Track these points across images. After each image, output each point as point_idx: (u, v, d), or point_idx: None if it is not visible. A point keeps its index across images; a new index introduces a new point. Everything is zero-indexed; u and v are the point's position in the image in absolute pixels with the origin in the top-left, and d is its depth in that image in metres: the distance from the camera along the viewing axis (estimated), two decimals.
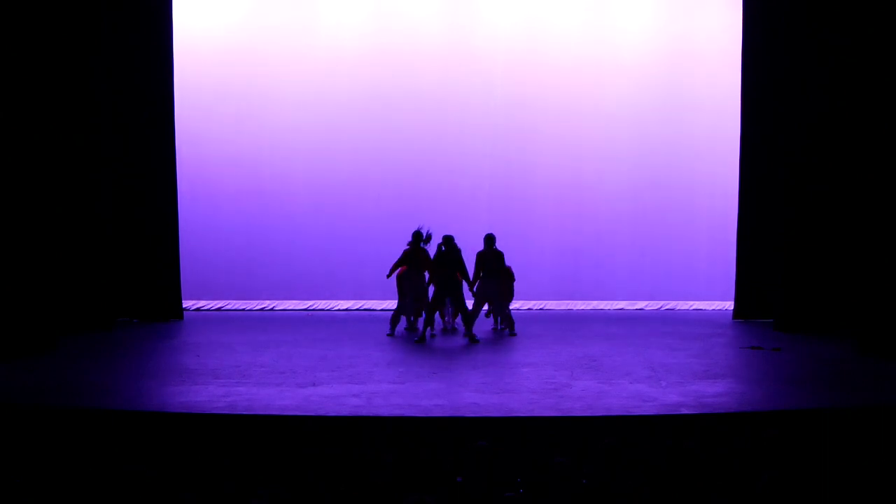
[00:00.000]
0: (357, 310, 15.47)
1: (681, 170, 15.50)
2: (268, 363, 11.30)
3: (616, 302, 15.67)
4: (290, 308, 15.57)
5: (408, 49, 15.49)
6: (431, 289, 13.13)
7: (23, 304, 11.80)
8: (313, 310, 15.55)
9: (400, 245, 14.24)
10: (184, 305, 14.92)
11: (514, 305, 15.51)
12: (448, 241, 12.77)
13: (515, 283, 13.70)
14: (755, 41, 14.10)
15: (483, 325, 13.73)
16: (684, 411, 9.12)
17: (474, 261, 13.04)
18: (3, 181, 11.76)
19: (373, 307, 15.40)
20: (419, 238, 13.09)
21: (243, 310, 15.53)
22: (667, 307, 15.60)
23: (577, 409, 9.28)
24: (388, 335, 13.24)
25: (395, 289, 13.45)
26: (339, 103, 15.48)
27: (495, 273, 13.04)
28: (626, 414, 9.12)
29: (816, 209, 13.41)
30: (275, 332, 13.43)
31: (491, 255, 13.07)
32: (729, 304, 14.91)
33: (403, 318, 13.83)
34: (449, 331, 13.65)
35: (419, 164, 15.54)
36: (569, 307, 15.57)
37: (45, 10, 12.17)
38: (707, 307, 15.47)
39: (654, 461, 7.58)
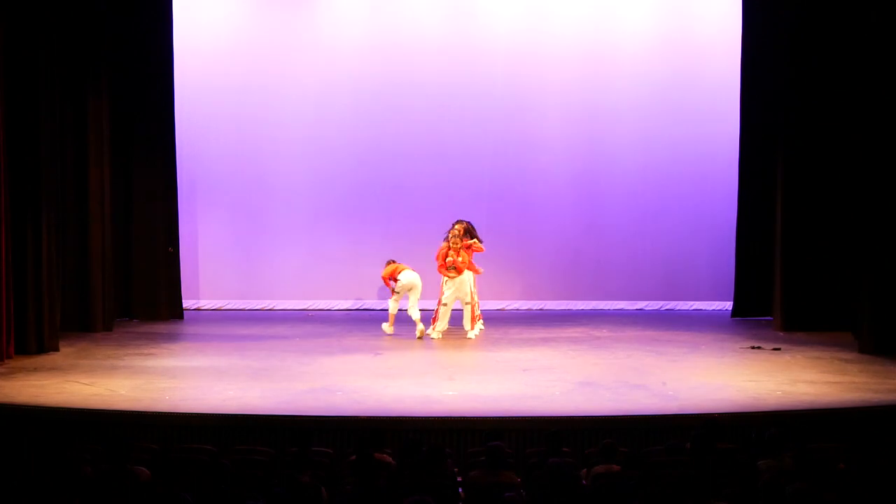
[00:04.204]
0: (357, 310, 15.46)
1: (681, 169, 15.46)
2: (267, 363, 11.30)
3: (616, 302, 15.64)
4: (289, 308, 15.55)
5: (406, 49, 15.44)
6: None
7: (24, 304, 11.80)
8: (313, 310, 15.54)
9: (399, 244, 14.28)
10: (184, 305, 14.90)
11: (513, 305, 15.55)
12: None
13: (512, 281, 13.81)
14: (755, 39, 14.07)
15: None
16: (686, 411, 9.12)
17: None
18: (15, 179, 11.73)
19: (372, 307, 15.38)
20: None
21: (243, 310, 15.52)
22: (667, 307, 15.58)
23: (577, 409, 9.28)
24: (388, 334, 13.25)
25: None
26: (339, 104, 15.44)
27: None
28: (625, 414, 9.12)
29: (816, 208, 13.40)
30: (274, 332, 13.42)
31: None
32: (729, 305, 14.88)
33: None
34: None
35: (418, 163, 15.50)
36: (568, 307, 15.55)
37: (45, 10, 12.13)
38: (707, 307, 15.44)
39: (654, 461, 7.59)
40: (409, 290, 13.19)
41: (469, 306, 13.00)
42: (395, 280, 13.26)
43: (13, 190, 11.71)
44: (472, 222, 13.43)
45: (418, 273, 13.25)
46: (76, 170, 13.46)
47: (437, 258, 13.03)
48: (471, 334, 12.96)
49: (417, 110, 15.43)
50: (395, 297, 13.28)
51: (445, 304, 12.96)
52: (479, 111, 15.40)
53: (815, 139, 13.39)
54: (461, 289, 12.88)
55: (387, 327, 13.33)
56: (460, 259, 12.82)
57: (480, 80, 15.38)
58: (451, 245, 12.89)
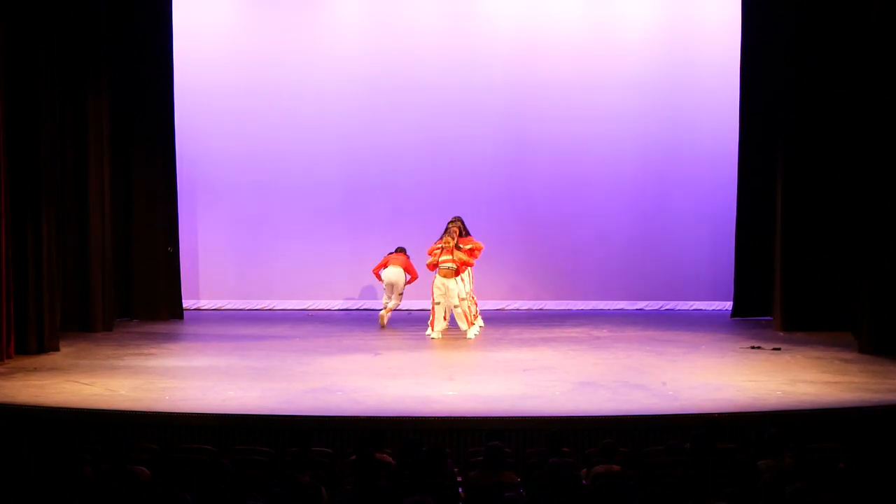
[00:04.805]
0: (357, 310, 15.46)
1: (681, 169, 15.45)
2: (267, 363, 11.30)
3: (616, 302, 15.64)
4: (289, 308, 15.55)
5: (404, 50, 15.41)
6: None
7: (24, 304, 11.80)
8: (313, 310, 15.54)
9: (398, 243, 14.25)
10: (184, 305, 14.90)
11: (513, 305, 15.55)
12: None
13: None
14: (755, 39, 14.07)
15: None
16: (686, 411, 9.13)
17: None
18: (15, 179, 11.74)
19: (372, 307, 15.38)
20: None
21: (243, 310, 15.52)
22: (667, 307, 15.58)
23: (577, 409, 9.28)
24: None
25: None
26: (339, 103, 15.43)
27: None
28: (625, 414, 9.13)
29: (816, 208, 13.40)
30: (274, 332, 13.42)
31: None
32: (729, 305, 14.87)
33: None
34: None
35: (418, 162, 15.49)
36: (568, 307, 15.55)
37: (45, 10, 12.14)
38: (707, 307, 15.44)
39: (654, 461, 7.59)
40: (390, 286, 13.78)
41: (459, 310, 13.00)
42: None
43: (13, 190, 11.71)
44: (466, 220, 13.54)
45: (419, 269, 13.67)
46: (76, 170, 13.46)
47: (430, 254, 13.11)
48: (470, 334, 12.98)
49: (416, 110, 15.42)
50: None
51: (438, 303, 12.98)
52: (477, 110, 15.39)
53: (815, 139, 13.38)
54: (448, 294, 12.90)
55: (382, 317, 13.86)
56: (453, 259, 12.88)
57: (479, 79, 15.37)
58: (443, 246, 12.93)
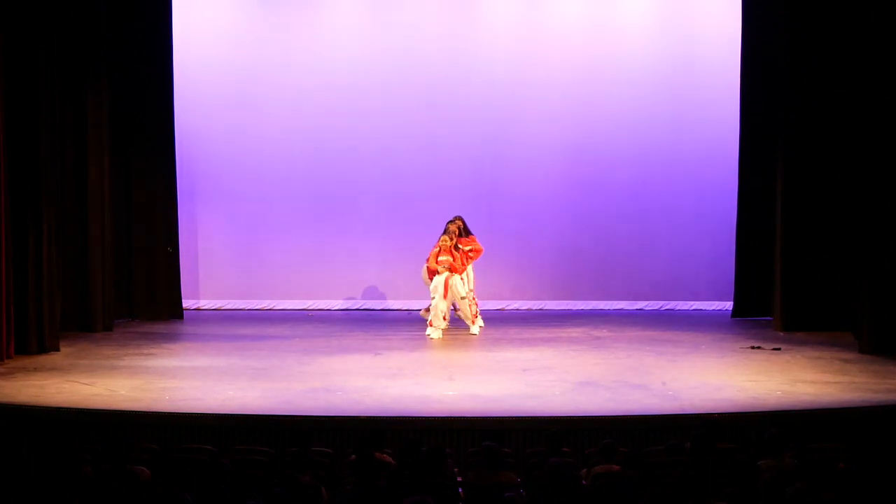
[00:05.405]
0: (357, 310, 15.46)
1: (681, 169, 15.45)
2: (267, 363, 11.30)
3: (616, 302, 15.64)
4: (289, 308, 15.55)
5: (404, 50, 15.43)
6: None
7: (24, 304, 11.80)
8: (313, 310, 15.54)
9: (398, 243, 14.27)
10: (184, 305, 14.90)
11: (513, 305, 15.56)
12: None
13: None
14: (755, 39, 14.07)
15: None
16: (686, 411, 9.14)
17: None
18: (15, 179, 11.74)
19: (372, 307, 15.39)
20: None
21: (243, 310, 15.52)
22: (667, 307, 15.58)
23: (577, 409, 9.28)
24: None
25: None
26: (339, 103, 15.42)
27: None
28: (625, 414, 9.13)
29: (816, 208, 13.40)
30: (274, 332, 13.42)
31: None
32: (729, 305, 14.88)
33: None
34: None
35: (418, 162, 15.49)
36: (568, 307, 15.55)
37: (45, 10, 12.15)
38: (707, 307, 15.44)
39: (654, 461, 7.59)
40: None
41: (465, 302, 13.06)
42: None
43: (13, 190, 11.72)
44: (467, 220, 13.56)
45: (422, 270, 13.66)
46: (76, 170, 13.46)
47: (429, 258, 13.17)
48: (473, 329, 13.04)
49: (416, 109, 15.42)
50: None
51: (433, 298, 13.04)
52: (478, 110, 15.38)
53: (815, 139, 13.38)
54: (438, 288, 12.94)
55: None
56: (449, 258, 12.93)
57: (479, 78, 15.37)
58: (440, 245, 12.97)
